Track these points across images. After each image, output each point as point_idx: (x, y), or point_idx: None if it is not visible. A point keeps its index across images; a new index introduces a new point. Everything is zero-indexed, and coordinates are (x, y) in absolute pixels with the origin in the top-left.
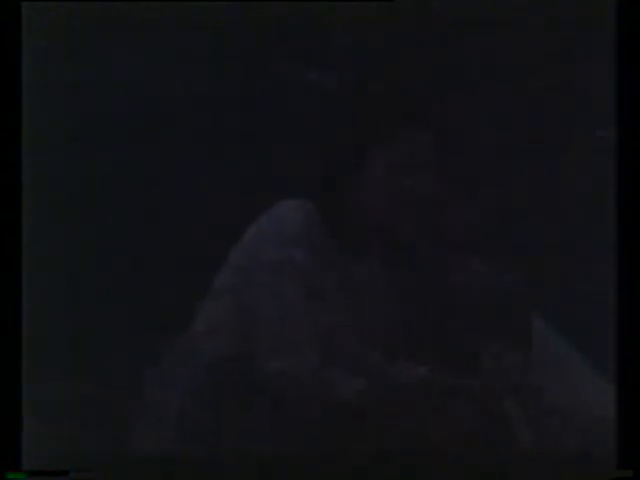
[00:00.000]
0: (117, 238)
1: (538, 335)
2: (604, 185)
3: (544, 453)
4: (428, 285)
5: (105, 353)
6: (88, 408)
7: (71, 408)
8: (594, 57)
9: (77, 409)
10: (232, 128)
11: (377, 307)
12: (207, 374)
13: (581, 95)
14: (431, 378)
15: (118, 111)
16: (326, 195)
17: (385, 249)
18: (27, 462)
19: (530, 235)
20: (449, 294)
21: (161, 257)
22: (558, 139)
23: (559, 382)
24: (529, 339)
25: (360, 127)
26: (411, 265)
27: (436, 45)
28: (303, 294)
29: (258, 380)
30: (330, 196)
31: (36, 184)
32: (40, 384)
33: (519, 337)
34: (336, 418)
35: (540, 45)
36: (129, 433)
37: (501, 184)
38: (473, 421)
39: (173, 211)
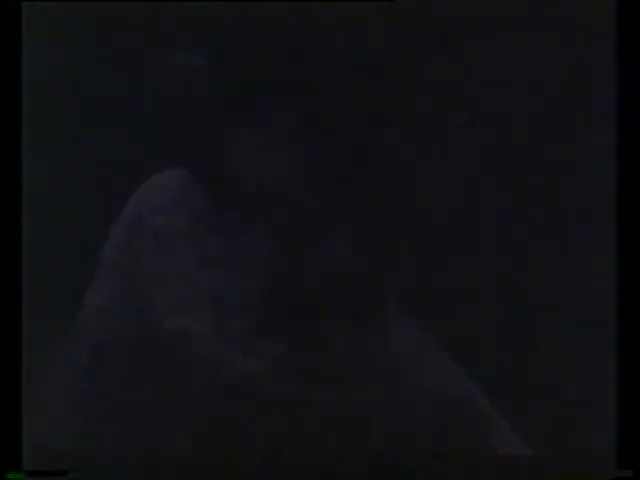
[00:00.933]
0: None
1: (392, 319)
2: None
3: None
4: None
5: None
6: None
7: None
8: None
9: None
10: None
11: (237, 278)
12: (98, 355)
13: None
14: (287, 361)
15: None
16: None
17: (255, 219)
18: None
19: (388, 218)
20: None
21: None
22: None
23: (414, 366)
24: (384, 323)
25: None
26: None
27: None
28: (185, 261)
29: (148, 356)
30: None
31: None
32: None
33: (374, 321)
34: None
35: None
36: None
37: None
38: (332, 407)
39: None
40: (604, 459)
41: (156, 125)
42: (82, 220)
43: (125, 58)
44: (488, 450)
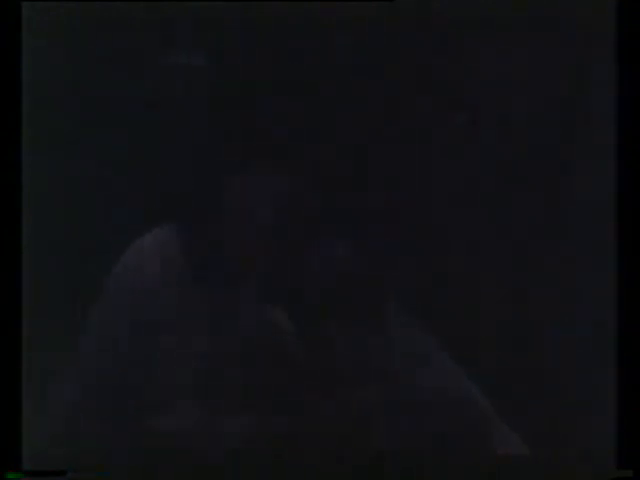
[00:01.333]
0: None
1: (392, 319)
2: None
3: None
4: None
5: None
6: None
7: None
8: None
9: None
10: None
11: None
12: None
13: None
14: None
15: None
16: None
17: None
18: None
19: (388, 218)
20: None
21: None
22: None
23: (415, 366)
24: (384, 323)
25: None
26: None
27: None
28: (169, 336)
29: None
30: (191, 225)
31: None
32: None
33: (374, 321)
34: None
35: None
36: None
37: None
38: (332, 407)
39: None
40: (604, 459)
41: (156, 125)
42: (82, 220)
43: (125, 58)
44: (488, 450)
